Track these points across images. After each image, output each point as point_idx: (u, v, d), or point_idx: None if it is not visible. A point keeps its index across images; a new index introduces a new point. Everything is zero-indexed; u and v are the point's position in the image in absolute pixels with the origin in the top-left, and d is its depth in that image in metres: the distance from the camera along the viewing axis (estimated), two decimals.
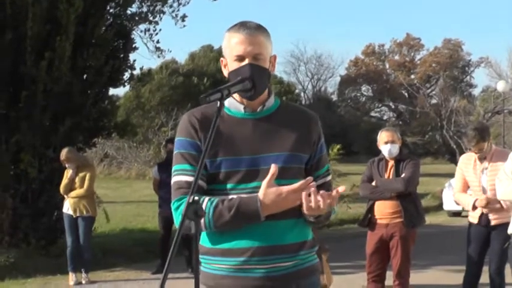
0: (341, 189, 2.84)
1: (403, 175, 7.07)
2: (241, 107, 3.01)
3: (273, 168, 2.78)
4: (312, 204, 2.77)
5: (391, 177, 7.15)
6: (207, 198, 2.87)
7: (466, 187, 7.17)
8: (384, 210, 7.13)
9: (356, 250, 9.33)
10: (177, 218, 2.93)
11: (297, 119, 3.07)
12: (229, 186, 2.93)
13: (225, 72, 3.05)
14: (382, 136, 7.23)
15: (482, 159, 6.99)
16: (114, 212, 16.54)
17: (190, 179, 2.89)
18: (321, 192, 2.78)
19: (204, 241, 2.98)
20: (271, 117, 3.03)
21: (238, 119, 3.01)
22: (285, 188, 2.79)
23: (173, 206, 2.95)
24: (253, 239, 2.88)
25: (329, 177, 3.18)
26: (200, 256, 2.99)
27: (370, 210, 7.27)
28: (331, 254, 7.73)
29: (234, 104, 3.01)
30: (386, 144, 7.15)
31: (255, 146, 2.95)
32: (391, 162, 7.22)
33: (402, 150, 7.36)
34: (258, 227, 2.87)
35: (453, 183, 19.32)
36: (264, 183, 2.80)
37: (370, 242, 7.30)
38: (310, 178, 2.79)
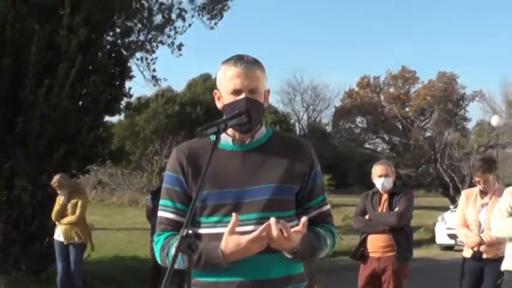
0: (302, 220, 2.80)
1: (396, 209, 7.07)
2: (230, 140, 3.01)
3: (233, 218, 2.77)
4: (274, 236, 2.74)
5: (384, 210, 7.16)
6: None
7: (466, 222, 7.18)
8: (377, 243, 7.13)
9: (348, 282, 9.28)
10: (156, 251, 3.02)
11: (287, 149, 3.05)
12: (215, 219, 2.93)
13: (219, 105, 3.05)
14: (376, 169, 7.25)
15: (484, 194, 7.01)
16: (106, 239, 16.48)
17: (170, 216, 3.00)
18: (280, 222, 2.75)
19: (193, 273, 2.95)
20: (260, 149, 3.02)
21: (227, 152, 3.00)
22: (244, 238, 2.76)
23: (154, 239, 3.04)
24: (238, 273, 2.86)
25: (326, 207, 3.13)
26: None
27: (363, 243, 7.26)
28: (323, 286, 7.71)
29: (223, 136, 2.96)
30: (380, 177, 7.17)
31: (242, 179, 2.94)
32: (385, 196, 7.23)
33: (396, 183, 7.37)
34: (244, 260, 2.84)
35: (446, 217, 19.39)
36: (226, 232, 2.79)
37: (362, 275, 7.29)
38: (268, 224, 2.74)
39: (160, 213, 3.04)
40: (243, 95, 2.94)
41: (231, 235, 2.78)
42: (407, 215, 7.16)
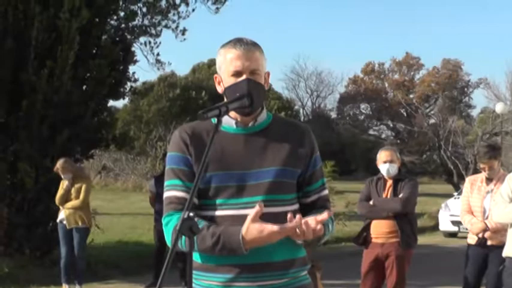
0: (324, 216, 2.80)
1: (400, 195, 7.06)
2: (233, 122, 3.01)
3: (258, 207, 2.74)
4: (298, 232, 2.75)
5: (389, 196, 7.15)
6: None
7: (471, 208, 7.17)
8: (380, 229, 7.12)
9: (351, 269, 9.30)
10: (167, 233, 2.94)
11: (289, 133, 3.06)
12: (219, 201, 2.93)
13: (219, 89, 3.05)
14: (381, 155, 7.23)
15: (489, 180, 7.01)
16: (110, 224, 16.51)
17: (181, 194, 2.94)
18: (307, 219, 2.76)
19: (195, 257, 2.95)
20: (263, 132, 3.03)
21: (230, 135, 3.00)
22: (268, 227, 2.75)
23: (163, 221, 2.96)
24: (242, 256, 2.84)
25: (325, 192, 3.15)
26: (193, 271, 2.96)
27: (367, 228, 7.26)
28: (326, 272, 7.71)
29: (226, 119, 2.97)
30: (385, 163, 7.16)
31: (246, 161, 2.95)
32: (390, 182, 7.21)
33: (401, 170, 7.35)
34: None
35: (449, 204, 19.38)
36: (249, 219, 2.76)
37: (366, 261, 7.29)
38: (297, 221, 2.74)
39: (170, 193, 2.98)
40: (244, 77, 2.94)
41: (254, 222, 2.76)
42: (412, 201, 7.15)
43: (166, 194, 3.00)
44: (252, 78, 2.94)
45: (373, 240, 7.17)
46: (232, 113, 2.98)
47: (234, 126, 3.01)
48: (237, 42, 2.98)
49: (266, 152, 2.98)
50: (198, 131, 2.99)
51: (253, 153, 2.97)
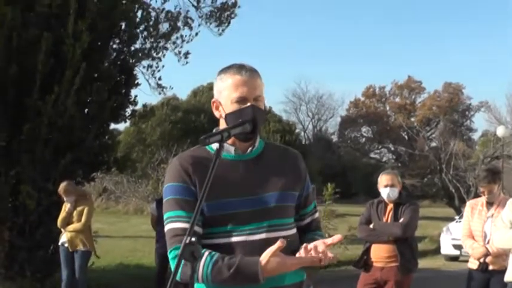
0: (337, 238, 2.82)
1: (401, 220, 7.06)
2: (231, 149, 3.01)
3: (280, 243, 2.71)
4: (315, 260, 2.78)
5: (389, 220, 7.14)
6: (207, 252, 2.82)
7: (472, 233, 7.17)
8: (380, 253, 7.12)
9: None
10: (175, 266, 2.87)
11: (284, 158, 3.10)
12: (228, 228, 2.91)
13: (217, 114, 3.04)
14: (382, 179, 7.24)
15: (490, 204, 7.01)
16: (111, 247, 16.48)
17: (187, 225, 2.81)
18: (321, 249, 2.78)
19: (199, 285, 2.92)
20: (259, 158, 3.04)
21: (230, 161, 2.99)
22: (290, 260, 2.77)
23: (170, 255, 2.90)
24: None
25: (317, 214, 3.21)
26: None
27: (367, 252, 7.25)
28: None
29: (224, 146, 2.94)
30: (386, 187, 7.16)
31: (249, 187, 2.95)
32: (390, 206, 7.21)
33: (402, 194, 7.35)
34: None
35: (451, 228, 19.33)
36: (269, 251, 2.75)
37: (361, 282, 7.28)
38: (317, 257, 2.77)
39: (175, 225, 2.91)
40: (248, 104, 2.94)
41: (274, 256, 2.75)
42: (413, 226, 7.14)
43: (171, 225, 2.92)
44: (256, 105, 2.95)
45: (373, 264, 7.17)
46: (231, 140, 2.96)
47: (233, 153, 3.01)
48: (241, 68, 2.98)
49: (267, 177, 2.99)
50: (198, 159, 2.96)
51: (254, 179, 2.98)
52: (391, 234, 7.04)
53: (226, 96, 2.98)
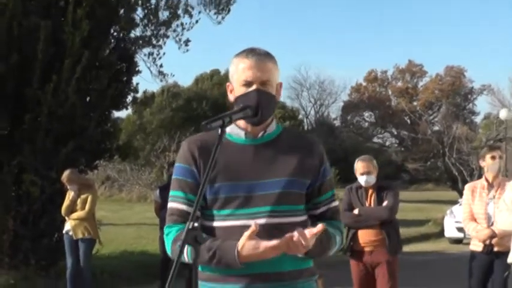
0: (320, 227, 2.77)
1: (385, 203, 7.10)
2: (242, 133, 3.03)
3: (253, 227, 2.76)
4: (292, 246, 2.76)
5: (372, 205, 7.20)
6: None
7: (473, 215, 7.18)
8: (368, 238, 7.15)
9: (343, 276, 9.30)
10: (167, 244, 2.99)
11: (298, 145, 3.07)
12: (227, 212, 2.94)
13: (231, 98, 3.06)
14: (358, 166, 7.25)
15: (490, 186, 7.02)
16: (115, 235, 16.52)
17: (182, 206, 2.99)
18: (299, 231, 2.74)
19: (204, 267, 2.97)
20: (272, 143, 3.04)
21: (239, 145, 3.02)
22: (263, 244, 2.77)
23: (165, 231, 3.02)
24: (249, 266, 2.85)
25: (334, 204, 3.15)
26: (201, 282, 2.98)
27: (353, 238, 7.25)
28: (329, 279, 7.70)
29: (235, 130, 3.02)
30: (363, 175, 7.20)
31: (254, 172, 2.96)
32: (371, 190, 7.25)
33: (380, 177, 7.39)
34: None
35: (454, 211, 19.36)
36: (245, 236, 2.78)
37: (356, 270, 7.32)
38: (290, 236, 2.75)
39: (171, 204, 3.03)
40: (254, 87, 2.95)
41: (250, 239, 2.78)
42: (397, 208, 7.22)
43: (169, 204, 3.05)
44: (262, 89, 2.95)
45: (364, 249, 7.19)
46: (243, 124, 3.01)
47: (243, 137, 3.03)
48: (250, 52, 3.00)
49: (275, 163, 2.99)
50: (206, 142, 2.99)
51: (261, 164, 2.98)
52: (378, 218, 7.10)
53: (235, 80, 3.01)
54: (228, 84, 3.09)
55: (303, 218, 3.02)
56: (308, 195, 3.06)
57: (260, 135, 3.03)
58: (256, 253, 2.77)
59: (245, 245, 2.78)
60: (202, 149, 2.99)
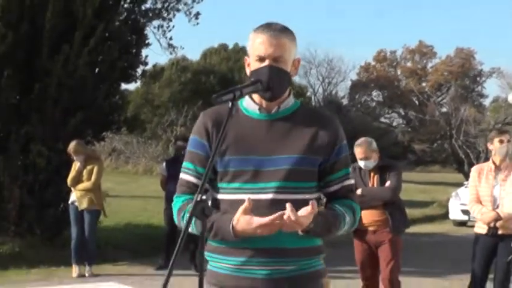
0: (311, 202, 2.77)
1: (388, 183, 7.10)
2: (256, 108, 3.03)
3: (247, 202, 2.79)
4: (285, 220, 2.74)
5: (375, 185, 7.22)
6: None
7: (479, 197, 7.17)
8: (372, 218, 7.15)
9: (346, 255, 9.33)
10: (174, 213, 3.07)
11: (313, 121, 3.04)
12: (236, 185, 2.96)
13: (248, 71, 3.06)
14: (356, 151, 7.21)
15: (498, 169, 7.01)
16: (120, 207, 16.57)
17: (190, 178, 3.05)
18: (288, 207, 2.73)
19: (209, 239, 3.01)
20: (287, 119, 3.03)
21: (253, 119, 3.02)
22: (256, 220, 2.78)
23: (174, 200, 3.09)
24: (254, 241, 2.87)
25: (348, 182, 3.10)
26: (206, 253, 3.02)
27: None
28: (329, 260, 7.71)
29: (251, 104, 3.03)
30: (361, 160, 7.19)
31: (265, 147, 2.96)
32: (374, 170, 7.25)
33: (383, 158, 7.37)
34: None
35: (460, 193, 19.36)
36: (240, 210, 2.81)
37: (359, 249, 7.35)
38: (281, 213, 2.74)
39: (182, 175, 3.08)
40: (266, 62, 2.94)
41: (244, 214, 2.80)
42: (399, 188, 7.23)
43: (180, 175, 3.10)
44: (275, 65, 2.94)
45: (366, 229, 7.19)
46: (257, 98, 3.01)
47: (258, 111, 3.03)
48: (266, 27, 2.98)
49: (287, 139, 2.98)
50: (222, 115, 2.95)
51: (273, 139, 2.98)
52: (382, 198, 7.11)
53: (251, 54, 3.02)
54: (245, 58, 3.09)
55: (314, 195, 3.00)
56: (320, 173, 3.03)
57: (274, 110, 3.02)
58: (249, 228, 2.79)
59: (240, 219, 2.81)
60: (215, 122, 3.00)
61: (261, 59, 2.95)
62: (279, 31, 2.97)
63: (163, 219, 11.66)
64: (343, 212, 3.01)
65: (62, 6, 11.26)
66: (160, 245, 11.61)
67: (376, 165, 7.22)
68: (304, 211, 2.76)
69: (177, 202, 3.05)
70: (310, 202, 2.78)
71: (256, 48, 2.96)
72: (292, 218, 2.71)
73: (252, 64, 3.00)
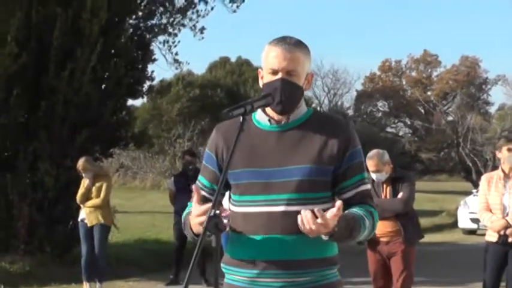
0: (338, 203, 2.75)
1: (400, 195, 7.08)
2: (267, 120, 3.02)
3: (193, 188, 2.88)
4: (300, 224, 2.72)
5: (388, 196, 7.18)
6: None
7: (489, 205, 7.16)
8: (385, 229, 7.11)
9: (359, 266, 9.30)
10: (183, 216, 3.09)
11: (324, 129, 2.99)
12: (248, 197, 2.95)
13: (261, 83, 3.06)
14: (368, 164, 7.17)
15: (507, 177, 7.01)
16: (128, 223, 16.56)
17: (201, 192, 3.01)
18: (316, 209, 2.71)
19: (226, 251, 3.02)
20: (298, 128, 3.00)
21: (264, 131, 3.01)
22: (195, 210, 2.85)
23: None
24: (268, 252, 2.87)
25: (363, 187, 3.03)
26: (223, 265, 3.03)
27: None
28: (345, 269, 7.70)
29: (262, 116, 3.03)
30: (373, 173, 7.16)
31: (275, 159, 2.95)
32: (387, 182, 7.23)
33: (396, 169, 7.34)
34: (272, 240, 2.87)
35: (468, 202, 19.31)
36: (194, 200, 2.87)
37: (372, 260, 7.33)
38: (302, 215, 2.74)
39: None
40: (279, 75, 2.94)
41: (197, 203, 2.83)
42: (412, 200, 7.21)
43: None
44: (287, 78, 2.94)
45: (378, 239, 7.18)
46: (269, 110, 3.00)
47: (268, 123, 3.02)
48: (280, 40, 2.98)
49: (297, 149, 2.95)
50: (233, 130, 2.91)
51: (284, 150, 2.96)
52: (394, 210, 7.07)
53: (264, 67, 3.01)
54: (259, 70, 3.09)
55: (328, 205, 2.92)
56: (333, 180, 2.98)
57: (284, 121, 3.01)
58: (192, 219, 2.85)
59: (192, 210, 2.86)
60: (227, 134, 3.01)
61: (274, 72, 2.95)
62: (293, 45, 2.97)
63: (173, 234, 11.65)
64: (362, 215, 2.93)
65: (69, 24, 11.32)
66: (169, 260, 11.60)
67: (389, 177, 7.19)
68: (330, 213, 2.71)
69: (187, 209, 3.07)
70: (337, 203, 2.74)
71: (270, 61, 2.96)
72: (320, 220, 2.68)
73: (265, 77, 3.00)
